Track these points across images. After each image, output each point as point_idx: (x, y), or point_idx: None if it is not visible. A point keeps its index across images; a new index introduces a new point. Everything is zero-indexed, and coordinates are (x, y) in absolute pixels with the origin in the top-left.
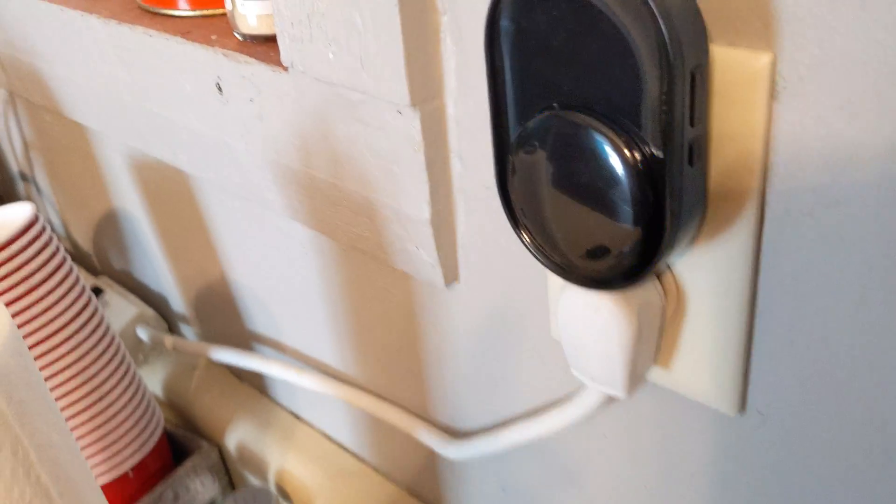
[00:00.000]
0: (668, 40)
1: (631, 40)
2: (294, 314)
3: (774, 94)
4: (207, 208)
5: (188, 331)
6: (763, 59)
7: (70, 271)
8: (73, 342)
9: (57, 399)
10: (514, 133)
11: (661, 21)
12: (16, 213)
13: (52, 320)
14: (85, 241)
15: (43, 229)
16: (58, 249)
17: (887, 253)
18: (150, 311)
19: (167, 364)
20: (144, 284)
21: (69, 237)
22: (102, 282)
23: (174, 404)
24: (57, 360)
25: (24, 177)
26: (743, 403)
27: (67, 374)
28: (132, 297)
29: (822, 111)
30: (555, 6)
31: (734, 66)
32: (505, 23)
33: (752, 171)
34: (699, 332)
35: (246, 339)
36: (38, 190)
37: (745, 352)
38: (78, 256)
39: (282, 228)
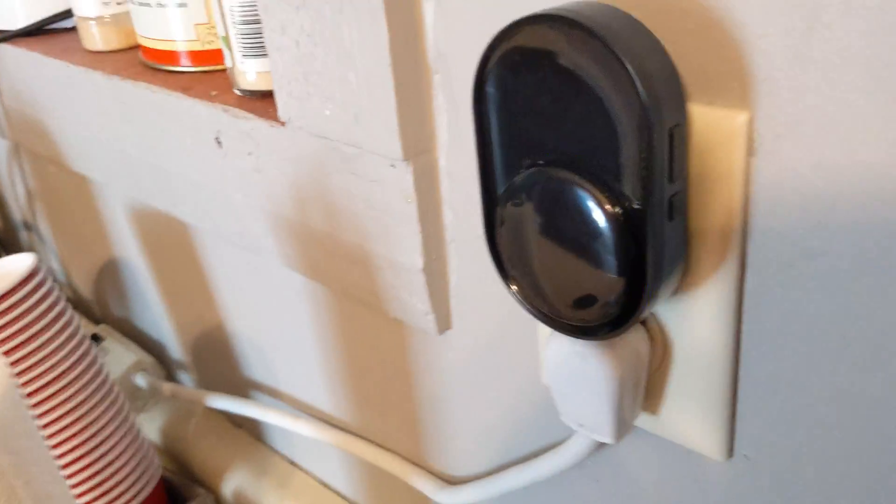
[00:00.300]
0: (646, 102)
1: (611, 103)
2: (290, 361)
3: (752, 151)
4: (206, 257)
5: (186, 378)
6: (740, 118)
7: (70, 321)
8: (71, 390)
9: (54, 446)
10: (501, 187)
11: (639, 84)
12: (18, 264)
13: (50, 369)
14: (86, 289)
15: (44, 280)
16: (58, 299)
17: (865, 302)
18: (148, 359)
19: (165, 411)
20: (144, 332)
21: (71, 285)
22: (103, 329)
23: (172, 451)
24: (55, 407)
25: (27, 226)
26: (730, 448)
27: (65, 421)
28: (132, 344)
29: (798, 167)
30: (537, 72)
31: (713, 124)
32: (490, 88)
33: (732, 224)
34: (685, 379)
35: (243, 386)
36: (41, 239)
37: (731, 398)
38: (79, 304)
39: (278, 277)
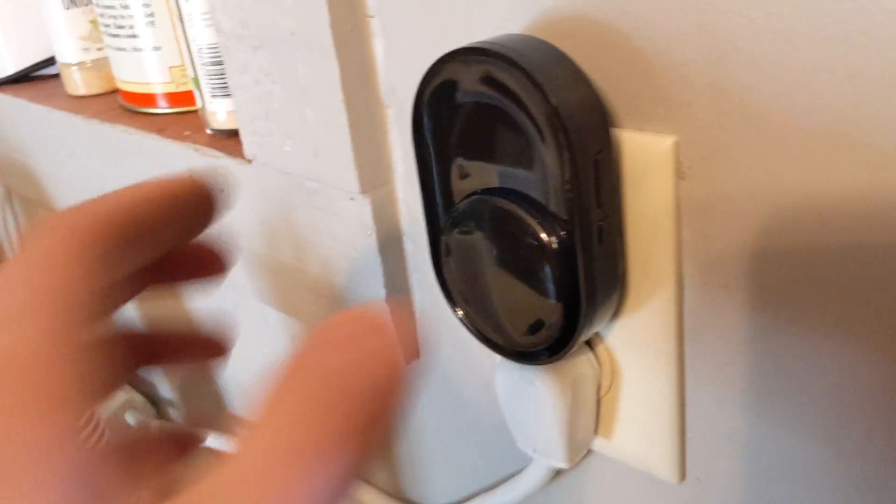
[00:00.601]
0: (568, 133)
1: (534, 133)
2: None
3: (681, 174)
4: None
5: (176, 415)
6: (667, 143)
7: None
8: None
9: None
10: (444, 217)
11: (561, 115)
12: None
13: None
14: None
15: None
16: None
17: (795, 318)
18: (138, 397)
19: None
20: None
21: None
22: None
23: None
24: None
25: None
26: (683, 471)
27: None
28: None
29: (726, 189)
30: (465, 104)
31: (643, 149)
32: (426, 121)
33: (667, 247)
34: (635, 402)
35: (228, 423)
36: None
37: (680, 420)
38: None
39: (255, 312)
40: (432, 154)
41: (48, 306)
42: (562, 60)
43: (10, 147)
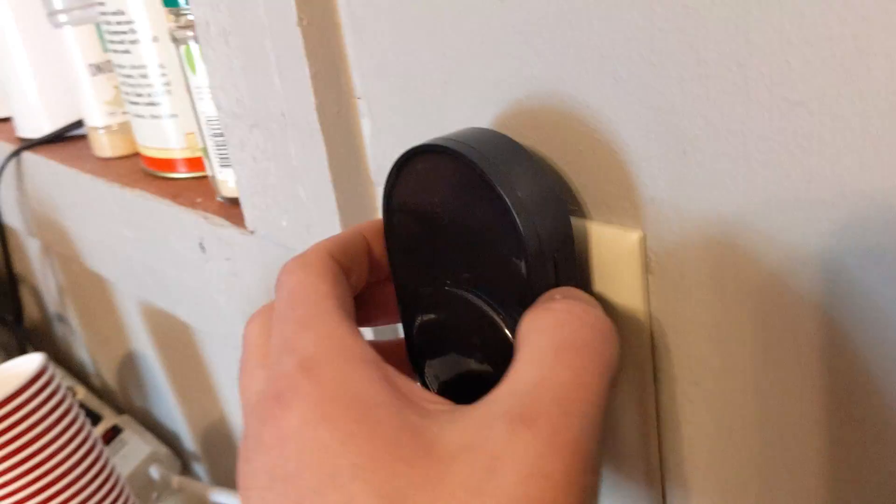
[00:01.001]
0: (524, 234)
1: (492, 232)
2: None
3: (649, 269)
4: (206, 355)
5: (200, 469)
6: (633, 237)
7: (75, 420)
8: (75, 488)
9: None
10: (413, 304)
11: (516, 216)
12: (26, 365)
13: (56, 467)
14: (111, 380)
15: (50, 379)
16: (64, 398)
17: (769, 419)
18: (163, 450)
19: (178, 502)
20: (161, 423)
21: (99, 375)
22: (124, 420)
23: None
24: None
25: (60, 318)
26: None
27: None
28: (149, 435)
29: (691, 286)
30: (427, 199)
31: (611, 243)
32: (394, 212)
33: (640, 342)
34: (615, 496)
35: None
36: (72, 330)
37: None
38: (105, 393)
39: None
40: (401, 243)
41: (334, 314)
42: (519, 155)
43: (43, 204)
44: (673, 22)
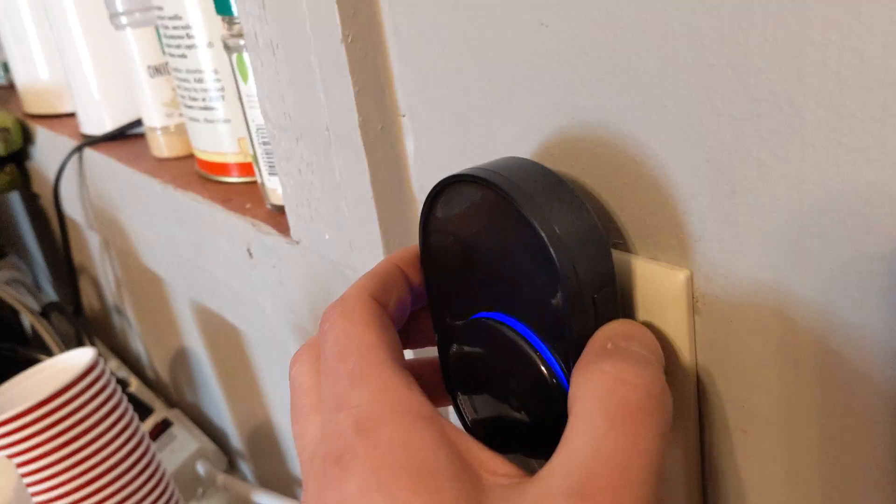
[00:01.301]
0: (561, 272)
1: (529, 268)
2: None
3: (696, 309)
4: (253, 356)
5: (246, 467)
6: (681, 276)
7: (124, 414)
8: (121, 482)
9: None
10: (449, 331)
11: (553, 253)
12: (78, 358)
13: (102, 461)
14: (164, 373)
15: (102, 374)
16: (114, 393)
17: (825, 474)
18: (211, 446)
19: (222, 500)
20: (210, 419)
21: (153, 368)
22: (174, 415)
23: None
24: (107, 498)
25: (118, 309)
26: None
27: None
28: (197, 431)
29: (740, 330)
30: (463, 230)
31: (656, 280)
32: (431, 238)
33: (685, 384)
34: None
35: (290, 483)
36: (129, 323)
37: None
38: (158, 386)
39: None
40: (437, 270)
41: (385, 366)
42: (559, 188)
43: (102, 200)
44: (723, 57)
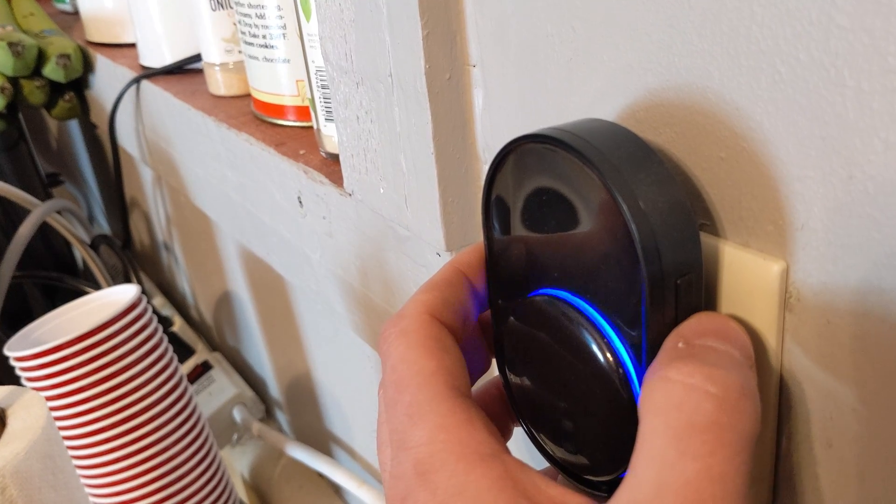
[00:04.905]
0: (642, 254)
1: (606, 246)
2: (363, 422)
3: (788, 306)
4: (296, 307)
5: (282, 417)
6: (775, 268)
7: (162, 356)
8: (157, 423)
9: (134, 477)
10: (507, 304)
11: (636, 232)
12: (121, 294)
13: (139, 400)
14: (208, 315)
15: (143, 312)
16: (154, 332)
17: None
18: (249, 393)
19: (257, 447)
20: (250, 366)
21: (197, 309)
22: (215, 358)
23: (257, 489)
24: (140, 438)
25: (167, 247)
26: None
27: (148, 452)
28: (236, 376)
29: (838, 335)
30: (534, 193)
31: (746, 270)
32: (496, 203)
33: (766, 387)
34: None
35: (325, 438)
36: (176, 261)
37: None
38: (202, 327)
39: (352, 339)
40: (498, 238)
41: (444, 400)
42: (647, 160)
43: (157, 135)
44: (858, 19)
